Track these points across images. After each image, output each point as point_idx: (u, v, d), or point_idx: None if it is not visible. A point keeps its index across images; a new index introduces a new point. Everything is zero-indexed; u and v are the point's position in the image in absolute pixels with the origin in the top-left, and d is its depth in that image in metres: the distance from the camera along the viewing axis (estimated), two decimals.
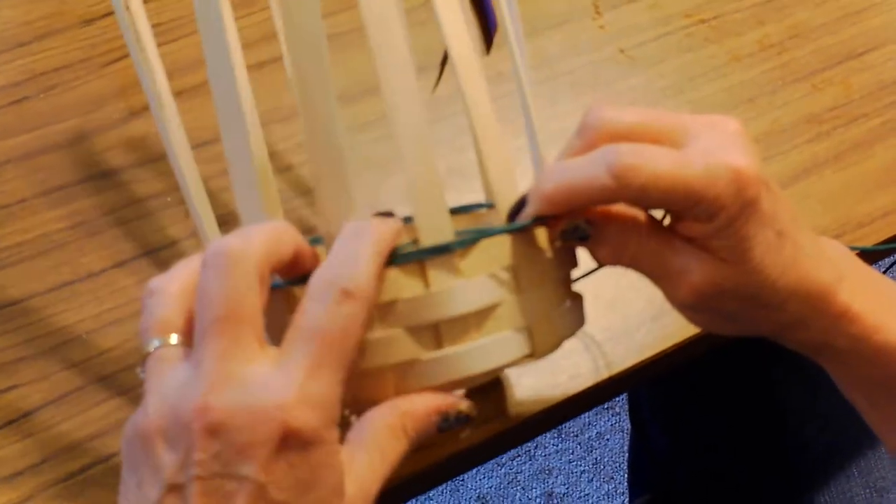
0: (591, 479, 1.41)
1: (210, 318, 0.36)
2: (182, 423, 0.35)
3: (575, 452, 1.42)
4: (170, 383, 0.36)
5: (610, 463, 1.42)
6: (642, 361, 0.52)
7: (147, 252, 0.54)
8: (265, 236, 0.37)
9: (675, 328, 0.53)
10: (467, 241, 0.39)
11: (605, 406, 1.45)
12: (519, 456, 1.41)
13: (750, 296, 0.41)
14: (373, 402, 0.39)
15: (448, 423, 0.40)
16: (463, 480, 1.39)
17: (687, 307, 0.43)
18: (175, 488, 0.35)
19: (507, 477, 1.40)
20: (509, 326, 0.40)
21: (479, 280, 0.39)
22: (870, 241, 0.57)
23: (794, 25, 0.65)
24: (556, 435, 1.43)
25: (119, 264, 0.53)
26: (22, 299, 0.52)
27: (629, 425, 1.37)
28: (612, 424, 1.44)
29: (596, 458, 1.42)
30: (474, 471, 1.40)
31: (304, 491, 0.35)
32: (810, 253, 0.41)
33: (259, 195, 0.41)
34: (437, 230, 0.39)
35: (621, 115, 0.40)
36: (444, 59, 0.42)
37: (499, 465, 1.40)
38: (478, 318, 0.39)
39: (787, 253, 0.40)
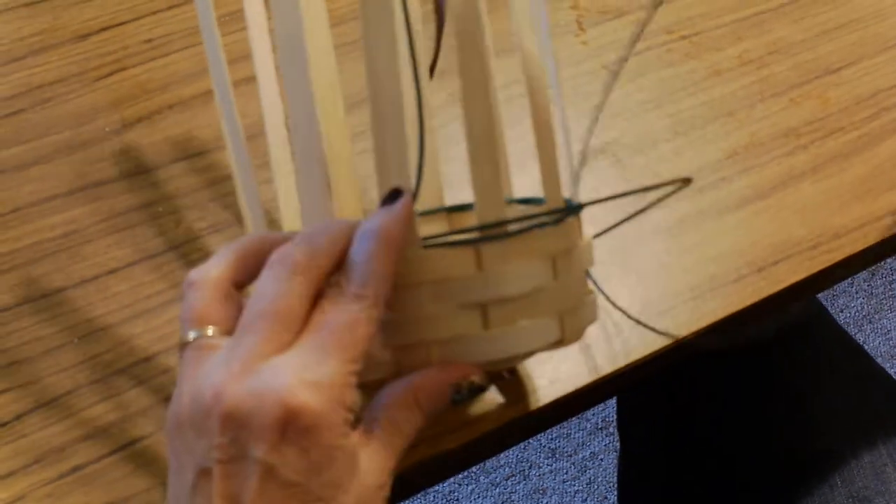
0: (585, 499, 1.41)
1: (254, 314, 0.38)
2: (204, 411, 0.36)
3: (569, 472, 1.43)
4: (200, 374, 0.38)
5: (604, 483, 1.42)
6: (626, 366, 0.53)
7: (139, 260, 0.55)
8: (334, 250, 0.39)
9: (653, 335, 0.54)
10: (523, 229, 0.41)
11: (599, 426, 1.46)
12: (513, 476, 1.41)
13: None
14: None
15: (461, 395, 0.41)
16: (458, 500, 1.39)
17: None
18: (204, 472, 0.36)
19: (501, 497, 1.40)
20: (548, 312, 0.42)
21: (528, 265, 0.41)
22: (846, 251, 0.58)
23: (773, 41, 0.67)
24: (549, 455, 1.43)
25: (111, 271, 0.54)
26: (15, 305, 0.53)
27: (619, 444, 1.37)
28: (605, 444, 1.45)
29: (590, 478, 1.42)
30: (468, 490, 1.40)
31: (316, 472, 0.36)
32: None
33: (324, 191, 0.42)
34: (494, 215, 0.41)
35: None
36: (434, 61, 0.43)
37: (493, 485, 1.40)
38: (523, 302, 0.41)
39: None
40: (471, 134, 0.41)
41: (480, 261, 0.41)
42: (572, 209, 0.44)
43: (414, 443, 0.41)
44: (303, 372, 0.36)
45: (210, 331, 0.39)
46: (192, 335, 0.39)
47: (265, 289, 0.38)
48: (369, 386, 0.41)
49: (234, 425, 0.36)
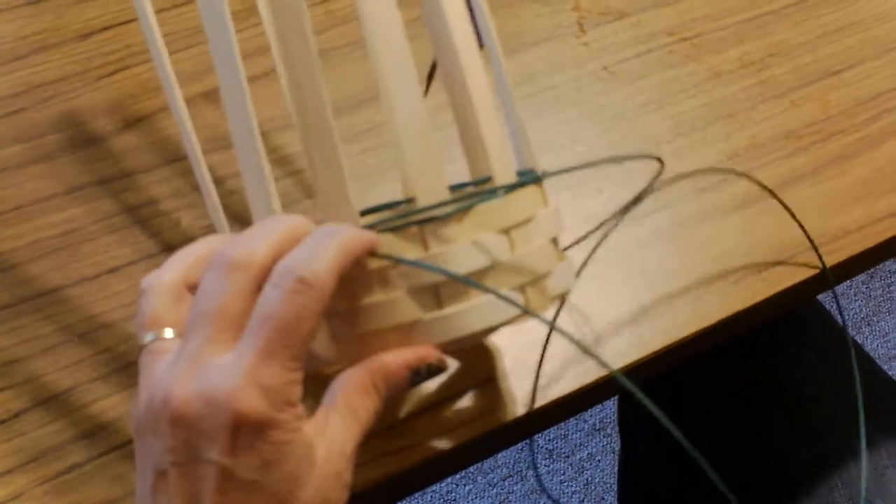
0: (582, 500, 1.41)
1: (197, 314, 0.38)
2: (155, 414, 0.37)
3: (566, 473, 1.43)
4: (154, 376, 0.38)
5: (601, 484, 1.42)
6: (620, 369, 0.53)
7: (139, 259, 0.55)
8: (270, 246, 0.39)
9: (652, 336, 0.54)
10: (463, 207, 0.41)
11: (597, 427, 1.46)
12: (511, 476, 1.41)
13: None
14: None
15: (420, 377, 0.42)
16: (455, 501, 1.39)
17: None
18: (161, 473, 0.37)
19: (498, 497, 1.40)
20: (505, 286, 0.42)
21: (475, 242, 0.41)
22: (845, 253, 0.58)
23: (774, 44, 0.67)
24: (547, 456, 1.44)
25: (111, 270, 0.54)
26: (14, 303, 0.53)
27: (619, 447, 1.37)
28: (602, 446, 1.45)
29: (587, 479, 1.42)
30: (466, 490, 1.40)
31: (271, 469, 0.37)
32: None
33: (270, 189, 0.42)
34: (434, 195, 0.41)
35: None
36: (432, 70, 0.44)
37: (490, 486, 1.41)
38: (475, 279, 0.41)
39: None
40: (397, 119, 0.41)
41: (425, 241, 0.40)
42: (522, 183, 0.44)
43: (373, 428, 0.41)
44: (249, 373, 0.36)
45: (167, 333, 0.40)
46: (147, 338, 0.40)
47: (205, 289, 0.38)
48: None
49: (184, 428, 0.36)
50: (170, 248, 0.55)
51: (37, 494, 0.48)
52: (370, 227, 0.41)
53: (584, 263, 0.55)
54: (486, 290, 0.40)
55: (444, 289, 0.41)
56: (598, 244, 0.56)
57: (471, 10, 0.44)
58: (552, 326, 0.39)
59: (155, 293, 0.40)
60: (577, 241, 0.55)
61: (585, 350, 0.37)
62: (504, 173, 0.43)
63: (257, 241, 0.39)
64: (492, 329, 0.43)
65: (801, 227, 0.57)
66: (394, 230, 0.41)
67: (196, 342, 0.37)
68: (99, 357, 0.51)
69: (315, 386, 0.42)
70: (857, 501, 0.65)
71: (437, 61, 0.45)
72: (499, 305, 0.42)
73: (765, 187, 0.57)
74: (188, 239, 0.55)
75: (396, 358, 0.41)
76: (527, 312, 0.41)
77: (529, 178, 0.45)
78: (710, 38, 0.66)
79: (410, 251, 0.40)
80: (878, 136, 0.63)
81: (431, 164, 0.41)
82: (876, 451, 0.67)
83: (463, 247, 0.41)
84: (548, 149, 0.61)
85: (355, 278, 0.40)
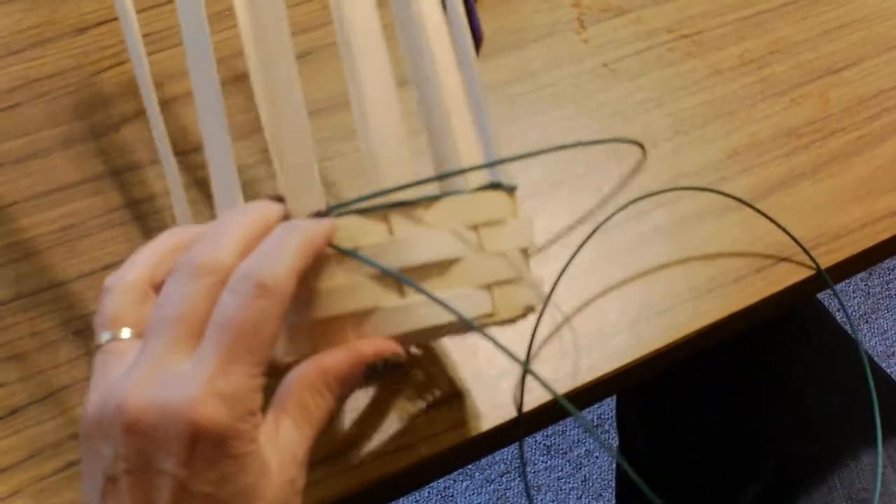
0: (580, 497, 1.41)
1: (159, 318, 0.37)
2: (108, 419, 0.36)
3: (564, 470, 1.43)
4: (108, 379, 0.37)
5: (598, 480, 1.42)
6: (619, 368, 0.53)
7: None
8: (237, 246, 0.37)
9: (651, 335, 0.54)
10: (432, 196, 0.40)
11: (595, 423, 1.46)
12: (508, 473, 1.41)
13: None
14: None
15: (375, 373, 0.40)
16: (452, 496, 1.39)
17: None
18: (112, 479, 0.36)
19: (496, 494, 1.40)
20: (470, 283, 0.40)
21: (442, 232, 0.40)
22: (846, 252, 0.58)
23: (775, 41, 0.66)
24: (544, 452, 1.43)
25: (109, 266, 0.54)
26: (11, 300, 0.53)
27: (617, 442, 1.37)
28: None
29: (584, 476, 1.42)
30: (463, 487, 1.40)
31: (227, 482, 0.36)
32: None
33: (236, 184, 0.42)
34: (401, 180, 0.40)
35: None
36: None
37: (488, 482, 1.41)
38: (439, 270, 0.40)
39: None
40: (367, 106, 0.40)
41: (391, 226, 0.39)
42: (494, 185, 0.43)
43: (325, 428, 0.40)
44: (208, 383, 0.35)
45: (124, 333, 0.39)
46: (104, 337, 0.39)
47: (169, 292, 0.37)
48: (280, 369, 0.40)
49: (139, 436, 0.35)
50: None
51: (33, 492, 0.48)
52: (337, 205, 0.39)
53: (571, 259, 0.54)
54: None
55: (407, 276, 0.39)
56: (589, 237, 0.55)
57: (469, 11, 0.44)
58: (514, 354, 0.37)
59: (118, 292, 0.39)
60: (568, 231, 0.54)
61: (529, 371, 0.36)
62: (474, 171, 0.42)
63: (224, 242, 0.37)
64: (452, 327, 0.41)
65: (786, 231, 0.57)
66: (360, 212, 0.39)
67: (156, 346, 0.36)
68: None
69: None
70: (854, 500, 0.65)
71: (408, 61, 0.43)
72: (461, 302, 0.40)
73: (736, 198, 0.57)
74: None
75: (350, 354, 0.39)
76: (463, 318, 0.39)
77: (503, 184, 0.44)
78: (711, 35, 0.66)
79: (374, 234, 0.39)
80: (878, 134, 0.63)
81: (399, 150, 0.40)
82: (875, 450, 0.67)
83: (430, 233, 0.40)
84: (546, 146, 0.60)
85: (317, 259, 0.39)
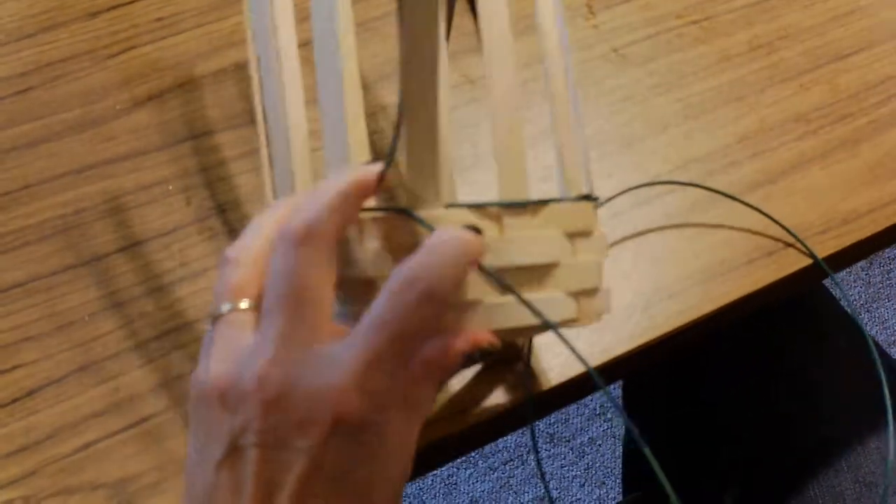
0: (583, 484, 1.41)
1: (275, 296, 0.37)
2: (242, 391, 0.36)
3: (567, 457, 1.43)
4: (235, 349, 0.37)
5: (601, 468, 1.42)
6: (632, 350, 0.53)
7: (149, 238, 0.55)
8: (333, 211, 0.38)
9: (663, 318, 0.54)
10: (541, 201, 0.42)
11: (597, 412, 1.46)
12: (511, 461, 1.42)
13: None
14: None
15: (473, 360, 0.41)
16: (456, 484, 1.40)
17: None
18: (236, 450, 0.36)
19: (499, 481, 1.40)
20: (563, 288, 0.42)
21: (547, 235, 0.42)
22: (854, 237, 0.58)
23: (784, 27, 0.67)
24: (548, 440, 1.44)
25: (122, 249, 0.54)
26: (26, 281, 0.53)
27: (621, 430, 1.37)
28: (603, 430, 1.45)
29: (588, 464, 1.43)
30: (467, 474, 1.40)
31: (356, 468, 0.36)
32: None
33: (349, 137, 0.42)
34: (516, 185, 0.41)
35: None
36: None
37: (491, 470, 1.41)
38: (540, 273, 0.42)
39: None
40: (496, 105, 0.41)
41: (501, 224, 0.41)
42: (589, 196, 0.45)
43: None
44: (356, 374, 0.36)
45: (244, 304, 0.39)
46: (225, 308, 0.39)
47: (276, 268, 0.37)
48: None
49: (279, 414, 0.36)
50: (179, 227, 0.55)
51: (51, 472, 0.48)
52: (452, 205, 0.41)
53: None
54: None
55: (509, 275, 0.41)
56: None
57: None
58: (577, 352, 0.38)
59: (239, 264, 0.39)
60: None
61: (568, 345, 0.37)
62: (577, 181, 0.45)
63: (318, 206, 0.37)
64: (539, 328, 0.43)
65: (782, 225, 0.58)
66: (472, 209, 0.41)
67: (280, 324, 0.36)
68: (111, 335, 0.52)
69: None
70: (862, 484, 0.66)
71: (545, 81, 0.45)
72: (555, 305, 0.42)
73: (721, 192, 0.57)
74: (198, 219, 0.55)
75: (448, 344, 0.39)
76: (553, 326, 0.40)
77: (593, 196, 0.46)
78: (720, 21, 0.66)
79: (488, 231, 0.41)
80: (887, 119, 0.63)
81: (516, 155, 0.42)
82: (882, 434, 0.67)
83: (537, 236, 0.42)
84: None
85: None
